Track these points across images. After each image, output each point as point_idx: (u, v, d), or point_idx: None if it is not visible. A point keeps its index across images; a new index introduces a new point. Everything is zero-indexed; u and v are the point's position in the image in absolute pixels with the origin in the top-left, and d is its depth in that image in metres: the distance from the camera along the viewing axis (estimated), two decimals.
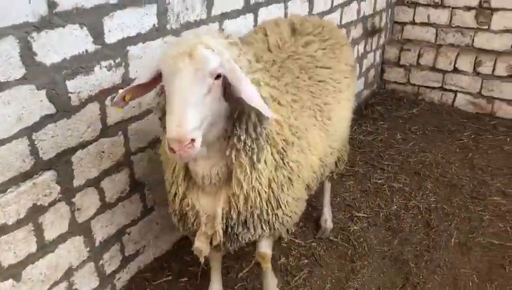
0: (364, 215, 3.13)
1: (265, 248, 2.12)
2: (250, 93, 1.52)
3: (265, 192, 1.78)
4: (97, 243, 2.29)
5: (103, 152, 2.17)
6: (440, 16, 4.60)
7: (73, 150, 2.02)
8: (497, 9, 4.29)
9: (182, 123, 1.39)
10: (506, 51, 4.33)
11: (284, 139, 1.82)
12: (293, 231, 2.17)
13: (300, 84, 2.08)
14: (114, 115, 2.17)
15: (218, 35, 1.65)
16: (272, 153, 1.78)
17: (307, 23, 2.42)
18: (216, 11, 2.57)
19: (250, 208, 1.78)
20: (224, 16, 2.64)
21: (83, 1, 1.86)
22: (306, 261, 2.74)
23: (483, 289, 2.54)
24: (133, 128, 2.29)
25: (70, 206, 2.08)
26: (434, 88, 4.73)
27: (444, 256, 2.77)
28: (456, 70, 4.55)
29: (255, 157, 1.69)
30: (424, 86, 4.78)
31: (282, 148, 1.82)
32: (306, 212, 3.01)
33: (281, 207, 1.87)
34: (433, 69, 4.66)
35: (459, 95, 4.64)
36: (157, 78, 1.61)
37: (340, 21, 3.85)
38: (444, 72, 4.62)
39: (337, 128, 2.25)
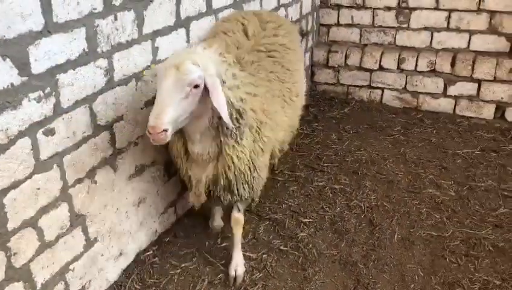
0: (311, 220, 3.18)
1: (238, 212, 2.67)
2: (220, 104, 2.05)
3: (248, 159, 2.33)
4: (39, 286, 2.14)
5: (38, 189, 2.02)
6: (363, 17, 4.77)
7: (4, 192, 1.86)
8: (414, 9, 4.52)
9: (159, 116, 1.91)
10: (426, 47, 4.58)
11: (259, 121, 2.35)
12: (258, 198, 2.69)
13: (271, 77, 2.60)
14: (47, 148, 2.02)
15: (214, 52, 2.18)
16: (251, 131, 2.31)
17: (263, 15, 2.95)
18: (147, 29, 2.49)
19: (237, 172, 2.33)
20: (156, 33, 2.56)
21: (3, 31, 1.71)
22: (259, 274, 2.73)
23: (428, 282, 2.67)
24: (69, 159, 2.16)
25: (5, 252, 1.92)
26: (362, 87, 4.90)
27: (390, 253, 2.87)
28: (381, 68, 4.74)
29: (238, 138, 2.25)
30: (353, 86, 4.94)
31: (258, 126, 2.34)
32: (256, 224, 3.03)
33: (256, 170, 2.41)
34: (360, 68, 4.83)
35: (386, 91, 4.84)
36: None
37: None
38: (370, 70, 4.79)
39: (300, 100, 2.96)
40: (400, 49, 4.69)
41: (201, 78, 2.01)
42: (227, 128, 2.19)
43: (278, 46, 2.75)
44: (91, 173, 2.32)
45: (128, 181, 2.60)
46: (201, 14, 2.93)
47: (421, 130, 4.38)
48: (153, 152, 2.75)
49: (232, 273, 2.68)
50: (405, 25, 4.61)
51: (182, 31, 2.78)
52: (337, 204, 3.34)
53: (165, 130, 1.93)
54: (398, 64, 4.68)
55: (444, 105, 4.60)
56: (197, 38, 2.90)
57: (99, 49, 2.18)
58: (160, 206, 2.95)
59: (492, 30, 4.29)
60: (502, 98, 4.33)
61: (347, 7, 4.81)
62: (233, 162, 2.29)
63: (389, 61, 4.70)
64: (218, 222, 3.06)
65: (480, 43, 4.36)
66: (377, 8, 4.66)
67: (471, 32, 4.38)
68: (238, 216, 2.67)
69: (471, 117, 4.51)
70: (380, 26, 4.71)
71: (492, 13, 4.24)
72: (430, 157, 3.91)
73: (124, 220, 2.64)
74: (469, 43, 4.42)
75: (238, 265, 2.70)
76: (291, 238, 3.01)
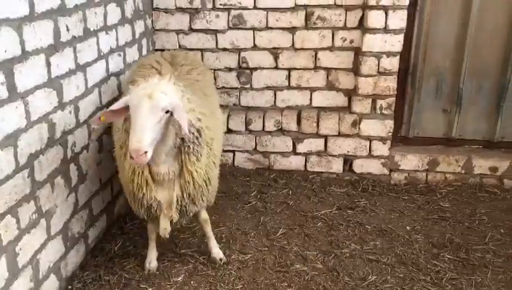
0: None
1: (204, 214, 3.18)
2: (184, 124, 2.37)
3: (204, 174, 2.72)
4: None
5: None
6: None
7: None
8: (255, 69, 4.40)
9: (140, 140, 2.24)
10: (271, 107, 4.47)
11: (210, 137, 2.77)
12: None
13: (202, 99, 2.94)
14: None
15: (168, 82, 2.54)
16: (206, 147, 2.71)
17: (178, 58, 3.33)
18: None
19: (197, 187, 2.70)
20: None
21: None
22: None
23: None
24: None
25: None
26: None
27: None
28: (230, 130, 4.50)
29: (199, 155, 2.63)
30: None
31: (208, 142, 2.73)
32: None
33: (211, 182, 2.82)
34: None
35: (237, 153, 4.60)
36: (125, 108, 2.42)
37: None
38: None
39: (222, 125, 3.45)
40: (246, 110, 4.50)
41: (171, 104, 2.37)
42: (188, 146, 2.57)
43: (195, 80, 3.10)
44: None
45: None
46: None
47: (277, 193, 4.20)
48: None
49: (217, 256, 3.25)
50: (248, 86, 4.45)
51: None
52: None
53: (146, 152, 2.26)
54: (246, 125, 4.48)
55: (295, 163, 4.51)
56: None
57: None
58: None
59: (330, 86, 4.35)
60: (348, 151, 4.38)
61: None
62: (192, 177, 2.65)
63: (237, 123, 4.48)
64: (155, 262, 3.18)
65: (321, 99, 4.39)
66: (218, 69, 4.43)
67: (312, 89, 4.39)
68: (205, 216, 3.20)
69: (322, 172, 4.48)
70: (223, 87, 4.48)
71: (328, 70, 4.31)
72: (291, 225, 3.70)
73: None
74: (311, 99, 4.42)
75: (219, 250, 3.28)
76: None
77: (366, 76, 4.14)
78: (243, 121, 4.48)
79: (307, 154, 4.47)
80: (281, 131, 4.46)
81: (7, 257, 2.39)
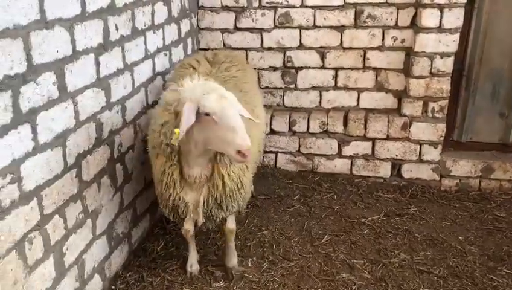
0: None
1: (232, 224, 3.02)
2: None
3: (236, 177, 2.63)
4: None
5: None
6: None
7: None
8: (300, 68, 4.28)
9: (246, 137, 2.25)
10: (316, 107, 4.34)
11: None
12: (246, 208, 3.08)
13: (238, 96, 2.60)
14: None
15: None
16: None
17: (219, 56, 3.31)
18: None
19: (227, 191, 2.61)
20: None
21: None
22: None
23: None
24: None
25: None
26: None
27: None
28: (272, 131, 4.41)
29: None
30: None
31: None
32: None
33: (243, 187, 2.70)
34: None
35: (279, 155, 4.50)
36: (200, 118, 2.33)
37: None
38: None
39: (262, 125, 3.24)
40: (290, 111, 4.40)
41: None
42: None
43: (232, 77, 3.05)
44: None
45: None
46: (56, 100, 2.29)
47: (321, 196, 4.08)
48: None
49: (230, 266, 3.11)
50: (292, 85, 4.34)
51: (25, 129, 2.10)
52: None
53: None
54: (290, 126, 4.38)
55: (340, 166, 4.38)
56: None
57: None
58: None
59: (379, 87, 4.19)
60: (396, 155, 4.21)
61: None
62: (223, 182, 2.58)
63: (280, 124, 4.39)
64: (196, 265, 3.14)
65: (369, 100, 4.24)
66: (262, 69, 4.35)
67: (359, 90, 4.24)
68: (232, 227, 3.04)
69: (368, 177, 4.32)
70: (267, 87, 4.40)
71: (377, 70, 4.15)
72: (336, 231, 3.58)
73: None
74: (358, 100, 4.27)
75: (233, 262, 3.13)
76: None
77: (418, 77, 3.95)
78: (287, 122, 4.38)
79: (353, 158, 4.32)
80: (326, 133, 4.32)
81: (55, 257, 2.39)
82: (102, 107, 2.74)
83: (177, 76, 2.99)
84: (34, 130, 2.15)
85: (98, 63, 2.65)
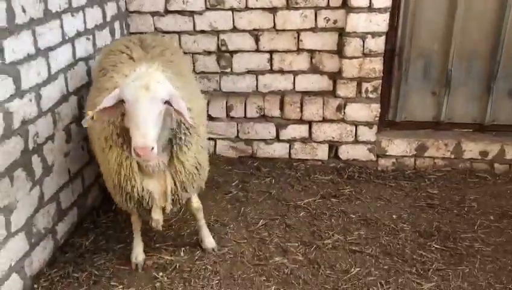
0: None
1: (196, 202, 3.06)
2: (184, 108, 2.31)
3: (194, 161, 2.63)
4: None
5: None
6: None
7: None
8: (235, 52, 4.19)
9: (146, 135, 2.15)
10: (253, 92, 4.27)
11: (197, 123, 2.60)
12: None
13: (184, 84, 2.69)
14: None
15: (157, 70, 2.48)
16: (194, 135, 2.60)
17: (147, 40, 3.07)
18: None
19: (188, 175, 2.60)
20: None
21: None
22: None
23: None
24: None
25: None
26: None
27: None
28: (210, 117, 4.31)
29: (189, 144, 2.56)
30: None
31: (195, 128, 2.59)
32: None
33: (201, 167, 2.73)
34: None
35: (218, 141, 4.42)
36: (118, 103, 2.29)
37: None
38: None
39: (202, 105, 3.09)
40: (226, 96, 4.31)
41: (168, 93, 2.27)
42: (180, 138, 2.50)
43: (168, 62, 2.86)
44: None
45: None
46: None
47: (259, 181, 4.03)
48: None
49: (209, 245, 3.14)
50: (228, 70, 4.25)
51: None
52: None
53: (153, 148, 2.15)
54: (227, 111, 4.30)
55: (278, 150, 4.34)
56: None
57: None
58: None
59: (314, 69, 4.16)
60: (333, 137, 4.21)
61: None
62: (183, 167, 2.56)
63: (217, 110, 4.29)
64: (142, 255, 3.05)
65: (305, 83, 4.20)
66: (196, 53, 4.23)
67: (295, 73, 4.20)
68: (198, 205, 3.07)
69: (307, 159, 4.31)
70: (203, 72, 4.28)
71: (312, 52, 4.11)
72: (272, 215, 3.54)
73: None
74: (294, 84, 4.23)
75: (210, 239, 3.16)
76: None
77: (351, 58, 3.94)
78: (224, 107, 4.29)
79: (290, 141, 4.29)
80: (264, 117, 4.27)
81: None
82: (10, 96, 2.56)
83: (107, 63, 2.85)
84: None
85: (1, 48, 2.46)
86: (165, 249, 3.17)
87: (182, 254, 3.13)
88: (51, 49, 2.95)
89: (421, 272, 2.92)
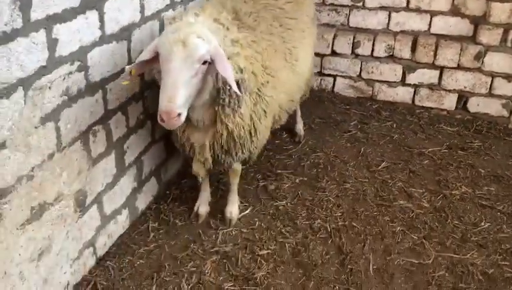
0: (269, 251, 2.58)
1: (237, 165, 2.69)
2: (229, 76, 1.96)
3: (248, 124, 2.33)
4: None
5: None
6: None
7: None
8: None
9: (172, 100, 1.85)
10: (383, 30, 4.06)
11: (261, 83, 2.31)
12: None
13: (273, 31, 2.51)
14: None
15: (206, 21, 2.02)
16: (251, 96, 2.27)
17: None
18: (38, 14, 1.70)
19: (235, 139, 2.32)
20: (53, 19, 1.78)
21: None
22: None
23: None
24: None
25: None
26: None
27: None
28: (334, 53, 4.18)
29: (236, 107, 2.20)
30: None
31: (259, 89, 2.31)
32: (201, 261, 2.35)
33: (257, 134, 2.42)
34: None
35: (338, 79, 4.30)
36: (156, 56, 1.96)
37: None
38: (322, 55, 4.22)
39: (303, 68, 2.83)
40: (354, 31, 4.13)
41: (209, 52, 1.94)
42: (223, 99, 2.15)
43: (277, 8, 2.66)
44: None
45: (20, 231, 1.84)
46: None
47: (379, 124, 3.91)
48: (57, 185, 2.00)
49: (228, 215, 2.77)
50: (359, 4, 4.04)
51: (92, 15, 2.01)
52: (298, 226, 2.77)
53: (179, 114, 1.89)
54: (352, 48, 4.14)
55: (402, 94, 4.15)
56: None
57: None
58: (72, 251, 2.21)
59: (455, 11, 3.84)
60: (465, 87, 3.93)
61: None
62: (228, 130, 2.26)
63: (342, 45, 4.15)
64: (204, 207, 2.83)
65: (442, 25, 3.90)
66: None
67: (432, 13, 3.90)
68: (236, 167, 2.71)
69: (431, 108, 4.09)
70: (332, 4, 4.11)
71: None
72: (394, 159, 3.44)
73: (18, 285, 1.89)
74: (430, 25, 3.94)
75: (233, 209, 2.79)
76: (246, 280, 2.40)
77: (503, 1, 3.57)
78: (350, 43, 4.13)
79: (417, 86, 4.08)
80: (392, 58, 4.07)
81: (116, 153, 2.38)
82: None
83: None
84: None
85: None
86: (286, 176, 3.21)
87: (302, 184, 3.15)
88: None
89: None
